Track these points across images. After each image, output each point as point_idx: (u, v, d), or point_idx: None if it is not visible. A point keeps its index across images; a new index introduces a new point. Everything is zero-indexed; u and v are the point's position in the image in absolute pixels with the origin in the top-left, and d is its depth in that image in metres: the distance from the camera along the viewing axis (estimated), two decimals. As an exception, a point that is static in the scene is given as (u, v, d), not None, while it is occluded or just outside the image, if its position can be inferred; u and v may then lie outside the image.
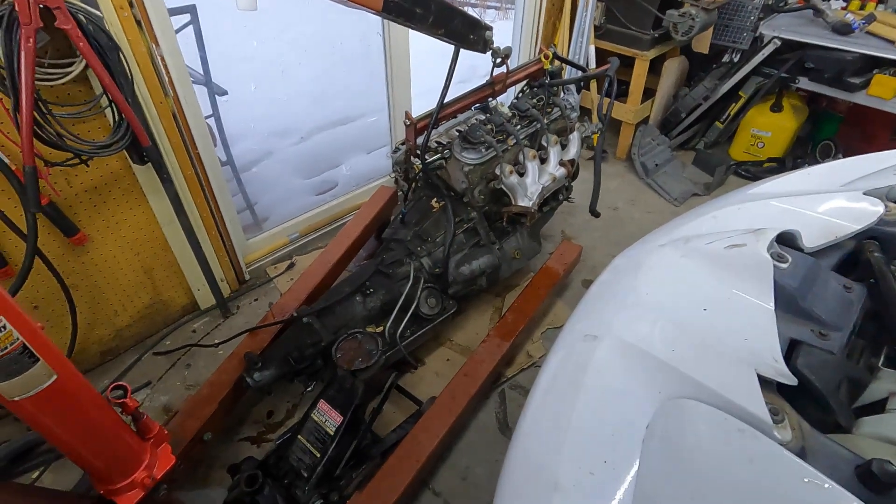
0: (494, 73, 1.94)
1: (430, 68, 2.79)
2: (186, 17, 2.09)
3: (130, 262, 1.99)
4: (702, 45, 3.39)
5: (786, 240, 0.99)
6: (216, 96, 2.38)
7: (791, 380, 0.72)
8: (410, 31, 2.55)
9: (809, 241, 1.01)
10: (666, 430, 0.71)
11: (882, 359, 0.89)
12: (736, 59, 3.33)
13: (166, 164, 1.79)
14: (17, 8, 1.29)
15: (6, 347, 0.70)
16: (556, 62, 2.07)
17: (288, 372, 1.76)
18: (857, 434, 0.75)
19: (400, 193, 2.64)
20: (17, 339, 0.71)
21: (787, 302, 0.89)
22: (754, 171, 3.29)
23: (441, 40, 1.48)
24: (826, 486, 0.55)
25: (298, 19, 3.05)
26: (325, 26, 3.12)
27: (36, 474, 1.65)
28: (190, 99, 1.92)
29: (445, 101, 1.79)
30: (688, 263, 0.99)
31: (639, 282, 1.00)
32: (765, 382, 0.73)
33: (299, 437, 1.54)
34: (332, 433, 1.52)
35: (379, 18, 2.04)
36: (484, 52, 1.64)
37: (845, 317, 0.89)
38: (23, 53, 1.33)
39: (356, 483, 1.54)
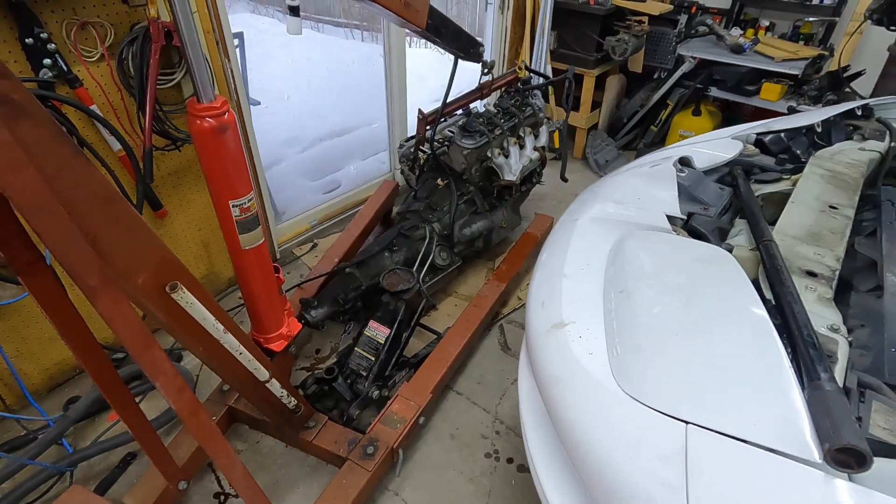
0: (482, 81, 2.56)
1: (414, 85, 3.40)
2: (236, 42, 2.60)
3: (193, 237, 2.42)
4: (636, 65, 4.18)
5: (685, 162, 1.61)
6: (250, 106, 2.87)
7: (681, 214, 1.33)
8: (407, 52, 3.18)
9: (700, 164, 1.63)
10: (622, 245, 1.28)
11: (735, 219, 1.50)
12: (664, 76, 4.15)
13: (231, 153, 2.27)
14: (150, 29, 1.79)
15: (252, 210, 1.18)
16: (527, 73, 2.71)
17: (337, 311, 2.24)
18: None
19: (400, 185, 3.19)
20: (254, 208, 1.19)
21: (687, 194, 1.50)
22: (684, 164, 4.04)
23: (450, 52, 2.07)
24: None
25: (310, 46, 3.62)
26: (333, 51, 3.70)
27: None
28: (244, 103, 2.42)
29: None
30: (630, 178, 1.59)
31: (601, 190, 1.59)
32: (673, 222, 1.33)
33: (356, 348, 2.02)
34: (382, 342, 2.01)
35: (381, 44, 2.64)
36: (478, 62, 2.24)
37: (719, 201, 1.51)
38: (151, 63, 1.82)
39: (402, 379, 2.03)
